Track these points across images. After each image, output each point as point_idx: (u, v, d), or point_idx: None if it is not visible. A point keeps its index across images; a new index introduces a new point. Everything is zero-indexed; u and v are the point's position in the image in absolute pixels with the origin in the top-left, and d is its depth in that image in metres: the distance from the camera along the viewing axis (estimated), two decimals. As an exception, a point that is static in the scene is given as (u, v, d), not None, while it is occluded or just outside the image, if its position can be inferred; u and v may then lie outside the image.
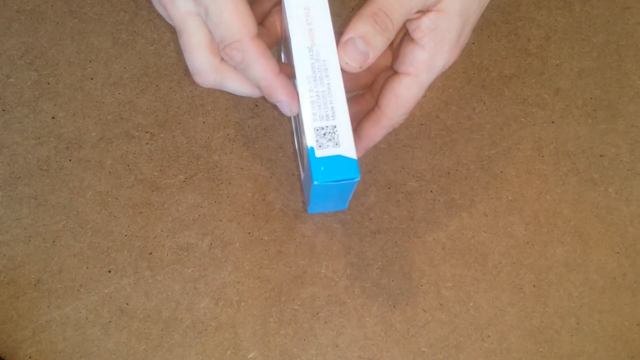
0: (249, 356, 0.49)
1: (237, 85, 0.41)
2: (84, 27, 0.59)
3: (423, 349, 0.49)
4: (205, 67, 0.40)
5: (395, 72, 0.44)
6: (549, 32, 0.60)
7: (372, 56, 0.40)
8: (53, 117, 0.56)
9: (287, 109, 0.40)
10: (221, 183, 0.54)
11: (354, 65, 0.40)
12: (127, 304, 0.50)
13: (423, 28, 0.41)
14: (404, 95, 0.43)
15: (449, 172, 0.55)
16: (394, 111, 0.44)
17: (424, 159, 0.55)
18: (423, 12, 0.41)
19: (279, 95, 0.39)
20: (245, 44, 0.37)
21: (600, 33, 0.60)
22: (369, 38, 0.39)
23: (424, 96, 0.58)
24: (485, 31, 0.61)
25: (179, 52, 0.59)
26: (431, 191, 0.54)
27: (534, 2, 0.62)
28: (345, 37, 0.40)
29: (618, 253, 0.52)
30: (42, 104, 0.57)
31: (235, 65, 0.39)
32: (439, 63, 0.42)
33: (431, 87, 0.58)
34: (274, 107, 0.55)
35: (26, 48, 0.59)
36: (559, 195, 0.54)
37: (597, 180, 0.55)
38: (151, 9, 0.61)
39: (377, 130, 0.45)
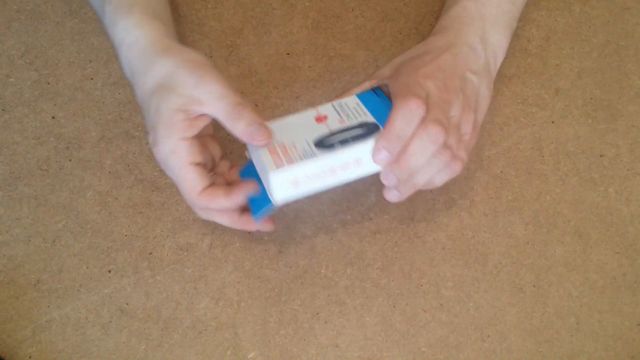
0: (249, 356, 0.49)
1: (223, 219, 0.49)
2: (84, 27, 0.59)
3: (423, 349, 0.49)
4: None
5: None
6: (549, 33, 0.60)
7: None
8: (53, 117, 0.56)
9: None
10: (221, 183, 0.54)
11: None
12: (127, 304, 0.50)
13: None
14: None
15: (449, 172, 0.55)
16: None
17: (424, 159, 0.55)
18: None
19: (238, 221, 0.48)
20: (198, 202, 0.46)
21: (600, 33, 0.60)
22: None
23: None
24: (485, 31, 0.61)
25: (179, 52, 0.59)
26: (431, 191, 0.54)
27: (534, 2, 0.62)
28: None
29: (618, 253, 0.52)
30: (42, 103, 0.57)
31: (209, 216, 0.48)
32: None
33: (431, 87, 0.58)
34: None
35: (26, 48, 0.59)
36: (559, 195, 0.54)
37: (597, 180, 0.55)
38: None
39: None
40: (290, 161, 0.43)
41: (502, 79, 0.58)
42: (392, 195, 0.47)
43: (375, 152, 0.45)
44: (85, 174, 0.54)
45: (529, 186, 0.54)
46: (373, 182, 0.54)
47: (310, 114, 0.48)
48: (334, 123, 0.47)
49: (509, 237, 0.53)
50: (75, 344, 0.49)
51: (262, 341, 0.49)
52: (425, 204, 0.54)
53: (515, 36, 0.60)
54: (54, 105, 0.57)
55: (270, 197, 0.44)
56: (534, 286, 0.51)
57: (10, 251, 0.51)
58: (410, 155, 0.44)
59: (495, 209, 0.54)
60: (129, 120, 0.56)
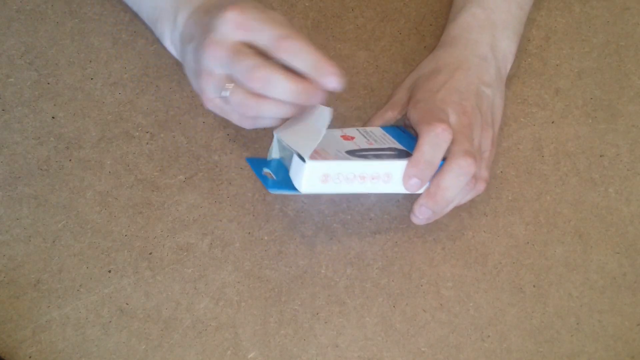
0: (249, 356, 0.49)
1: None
2: (84, 27, 0.59)
3: (423, 349, 0.49)
4: None
5: None
6: (549, 33, 0.60)
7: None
8: (53, 117, 0.56)
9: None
10: (221, 183, 0.54)
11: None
12: (127, 304, 0.50)
13: None
14: None
15: (449, 172, 0.55)
16: None
17: (424, 159, 0.55)
18: None
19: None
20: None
21: (600, 34, 0.60)
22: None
23: (424, 96, 0.58)
24: (485, 31, 0.61)
25: (179, 52, 0.59)
26: (431, 191, 0.54)
27: (534, 2, 0.62)
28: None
29: (618, 253, 0.52)
30: (42, 103, 0.57)
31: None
32: None
33: (431, 87, 0.58)
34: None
35: (26, 48, 0.59)
36: (559, 195, 0.54)
37: (597, 180, 0.55)
38: (151, 9, 0.61)
39: None
40: (325, 157, 0.44)
41: (502, 79, 0.58)
42: (420, 222, 0.49)
43: (405, 178, 0.45)
44: (85, 174, 0.54)
45: (529, 186, 0.54)
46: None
47: (335, 132, 0.49)
48: (363, 143, 0.48)
49: (509, 237, 0.53)
50: (75, 344, 0.49)
51: (262, 341, 0.49)
52: (425, 204, 0.54)
53: (515, 36, 0.60)
54: (54, 105, 0.57)
55: (297, 184, 0.45)
56: (534, 286, 0.51)
57: (10, 251, 0.51)
58: (444, 190, 0.45)
59: (495, 209, 0.54)
60: (129, 120, 0.56)
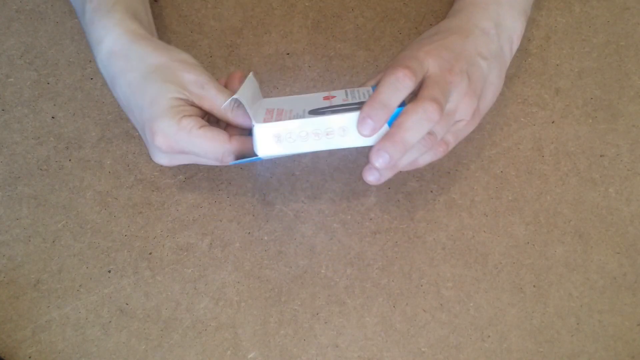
0: (249, 356, 0.49)
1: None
2: (83, 27, 0.59)
3: (423, 349, 0.49)
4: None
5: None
6: (549, 33, 0.60)
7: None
8: (53, 117, 0.56)
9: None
10: (221, 183, 0.54)
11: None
12: (127, 304, 0.50)
13: None
14: None
15: (449, 172, 0.55)
16: None
17: (424, 159, 0.55)
18: None
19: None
20: (229, 148, 0.46)
21: (600, 33, 0.60)
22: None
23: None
24: (485, 31, 0.61)
25: (179, 52, 0.59)
26: (431, 191, 0.54)
27: (533, 2, 0.62)
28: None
29: (618, 253, 0.52)
30: (42, 103, 0.57)
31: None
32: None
33: (431, 87, 0.58)
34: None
35: (26, 48, 0.59)
36: (559, 195, 0.54)
37: (597, 180, 0.55)
38: (150, 9, 0.61)
39: None
40: (279, 119, 0.44)
41: (502, 79, 0.58)
42: (373, 177, 0.45)
43: (360, 120, 0.43)
44: (85, 174, 0.54)
45: (529, 186, 0.54)
46: (373, 182, 0.54)
47: (321, 94, 0.48)
48: (338, 101, 0.47)
49: (509, 237, 0.53)
50: (75, 344, 0.49)
51: (262, 341, 0.49)
52: (425, 204, 0.53)
53: (516, 36, 0.60)
54: (54, 105, 0.57)
55: (255, 149, 0.45)
56: (534, 286, 0.51)
57: (10, 251, 0.51)
58: (405, 131, 0.43)
59: (495, 209, 0.54)
60: (129, 120, 0.56)
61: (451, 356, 0.49)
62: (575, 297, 0.51)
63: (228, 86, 0.50)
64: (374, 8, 0.62)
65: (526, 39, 0.60)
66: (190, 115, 0.45)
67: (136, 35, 0.48)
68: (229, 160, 0.46)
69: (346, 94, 0.48)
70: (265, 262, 0.51)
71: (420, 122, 0.43)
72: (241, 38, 0.60)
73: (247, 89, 0.47)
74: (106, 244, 0.52)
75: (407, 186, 0.54)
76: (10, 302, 0.50)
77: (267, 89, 0.58)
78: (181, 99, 0.45)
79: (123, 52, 0.47)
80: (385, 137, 0.43)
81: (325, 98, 0.47)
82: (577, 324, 0.50)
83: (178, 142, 0.45)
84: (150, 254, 0.52)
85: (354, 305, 0.50)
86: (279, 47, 0.60)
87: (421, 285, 0.51)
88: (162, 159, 0.47)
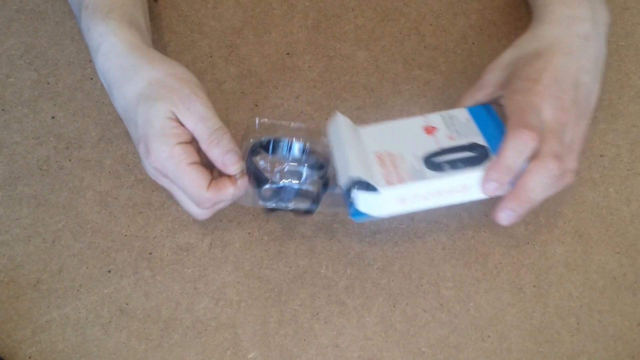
0: (249, 356, 0.49)
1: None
2: (83, 27, 0.59)
3: (423, 349, 0.49)
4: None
5: None
6: (549, 32, 0.60)
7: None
8: (53, 117, 0.56)
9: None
10: (221, 183, 0.54)
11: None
12: (127, 304, 0.50)
13: None
14: None
15: (449, 172, 0.54)
16: None
17: (424, 159, 0.55)
18: None
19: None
20: (208, 197, 0.46)
21: (600, 33, 0.60)
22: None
23: (424, 96, 0.58)
24: (485, 31, 0.61)
25: (178, 52, 0.59)
26: (431, 191, 0.54)
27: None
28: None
29: (618, 253, 0.52)
30: (42, 103, 0.57)
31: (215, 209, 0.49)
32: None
33: (432, 87, 0.58)
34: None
35: (26, 48, 0.59)
36: (559, 195, 0.54)
37: (598, 180, 0.55)
38: (150, 9, 0.61)
39: None
40: (401, 179, 0.44)
41: (502, 79, 0.58)
42: (506, 223, 0.47)
43: (484, 182, 0.45)
44: (85, 174, 0.54)
45: (529, 186, 0.54)
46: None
47: (418, 122, 0.49)
48: (443, 138, 0.47)
49: (509, 237, 0.53)
50: (75, 344, 0.49)
51: (262, 341, 0.49)
52: (425, 204, 0.53)
53: (516, 36, 0.60)
54: (54, 105, 0.57)
55: (373, 210, 0.44)
56: (534, 286, 0.51)
57: (10, 251, 0.51)
58: (529, 191, 0.44)
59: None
60: (129, 120, 0.56)
61: (451, 356, 0.49)
62: (575, 297, 0.51)
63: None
64: (374, 8, 0.62)
65: (526, 39, 0.60)
66: (184, 143, 0.45)
67: (131, 45, 0.48)
68: (207, 207, 0.47)
69: (446, 125, 0.48)
70: (265, 262, 0.51)
71: (543, 180, 0.44)
72: (241, 38, 0.60)
73: (350, 141, 0.47)
74: (106, 244, 0.52)
75: (407, 186, 0.54)
76: (10, 302, 0.50)
77: (267, 89, 0.58)
78: (173, 119, 0.45)
79: (118, 63, 0.47)
80: (510, 196, 0.45)
81: (427, 131, 0.48)
82: (577, 324, 0.50)
83: (166, 167, 0.46)
84: (150, 254, 0.52)
85: (354, 305, 0.50)
86: (279, 47, 0.60)
87: (421, 285, 0.51)
88: (151, 173, 0.48)
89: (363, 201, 0.44)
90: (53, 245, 0.52)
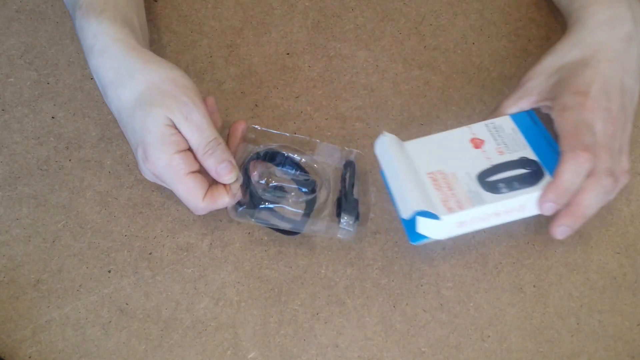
0: (249, 356, 0.49)
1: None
2: (83, 27, 0.59)
3: (423, 349, 0.49)
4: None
5: None
6: (549, 32, 0.60)
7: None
8: (53, 117, 0.56)
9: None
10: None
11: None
12: (127, 304, 0.50)
13: None
14: None
15: (449, 172, 0.54)
16: None
17: (424, 159, 0.55)
18: None
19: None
20: (203, 206, 0.48)
21: (600, 33, 0.60)
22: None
23: (424, 96, 0.58)
24: (486, 31, 0.61)
25: (178, 52, 0.59)
26: (431, 191, 0.54)
27: (534, 2, 0.62)
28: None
29: (618, 253, 0.52)
30: (42, 103, 0.57)
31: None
32: None
33: (432, 87, 0.58)
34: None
35: (26, 48, 0.59)
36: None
37: (597, 180, 0.55)
38: (150, 9, 0.61)
39: None
40: (461, 206, 0.45)
41: (502, 79, 0.58)
42: (561, 237, 0.47)
43: (542, 202, 0.45)
44: (85, 174, 0.54)
45: (529, 186, 0.54)
46: (373, 182, 0.54)
47: (464, 134, 0.49)
48: (493, 153, 0.47)
49: (509, 237, 0.53)
50: (75, 344, 0.49)
51: (262, 341, 0.49)
52: (425, 204, 0.53)
53: (516, 36, 0.60)
54: (54, 105, 0.57)
55: (433, 233, 0.45)
56: (534, 286, 0.51)
57: (10, 251, 0.51)
58: (585, 208, 0.45)
59: (495, 209, 0.53)
60: (129, 120, 0.56)
61: (451, 356, 0.49)
62: (575, 297, 0.51)
63: (230, 139, 0.51)
64: (374, 8, 0.62)
65: (526, 38, 0.60)
66: (183, 151, 0.46)
67: (126, 45, 0.47)
68: (202, 214, 0.49)
69: (492, 136, 0.48)
70: (265, 262, 0.51)
71: (599, 196, 0.45)
72: (241, 38, 0.60)
73: (402, 165, 0.47)
74: (106, 244, 0.52)
75: (407, 186, 0.54)
76: (10, 302, 0.50)
77: (267, 89, 0.58)
78: (171, 126, 0.46)
79: (112, 64, 0.47)
80: (567, 213, 0.46)
81: (475, 144, 0.48)
82: (577, 324, 0.50)
83: (163, 175, 0.46)
84: (150, 254, 0.52)
85: (354, 305, 0.50)
86: (279, 47, 0.60)
87: (421, 285, 0.51)
88: (147, 177, 0.48)
89: (423, 226, 0.45)
90: (53, 245, 0.52)
